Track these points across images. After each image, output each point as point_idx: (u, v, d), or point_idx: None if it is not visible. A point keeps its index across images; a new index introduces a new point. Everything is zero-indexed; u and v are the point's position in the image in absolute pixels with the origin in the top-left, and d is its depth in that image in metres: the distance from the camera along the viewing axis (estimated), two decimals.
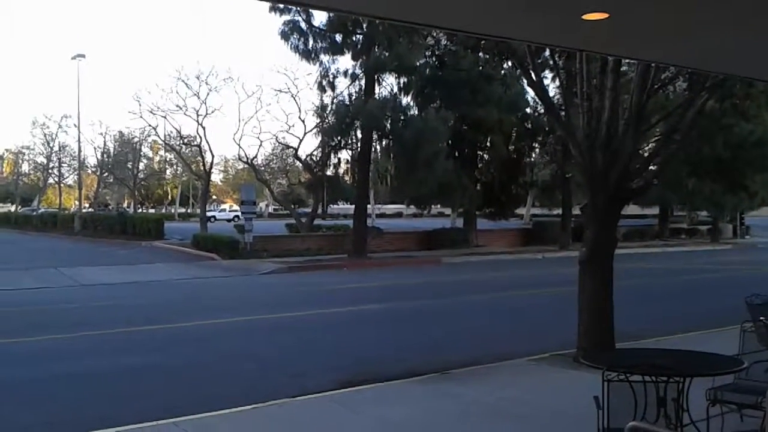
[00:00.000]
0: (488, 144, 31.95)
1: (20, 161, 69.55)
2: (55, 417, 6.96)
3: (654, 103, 10.28)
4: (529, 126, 32.32)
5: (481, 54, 29.83)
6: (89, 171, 61.19)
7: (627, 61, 8.82)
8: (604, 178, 8.38)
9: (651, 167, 9.98)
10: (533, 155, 34.84)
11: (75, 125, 50.29)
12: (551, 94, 20.43)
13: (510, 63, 28.07)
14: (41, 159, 64.42)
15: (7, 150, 71.82)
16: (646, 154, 10.68)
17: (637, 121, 8.46)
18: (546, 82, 21.57)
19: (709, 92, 8.75)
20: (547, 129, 29.90)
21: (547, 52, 14.88)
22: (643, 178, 9.39)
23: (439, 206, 43.80)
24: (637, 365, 4.57)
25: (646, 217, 41.20)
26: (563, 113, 10.46)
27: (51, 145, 61.32)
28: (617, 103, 8.48)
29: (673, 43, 5.01)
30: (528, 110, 31.60)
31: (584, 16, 4.28)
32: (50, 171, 64.39)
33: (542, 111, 27.53)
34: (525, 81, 20.31)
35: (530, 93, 28.13)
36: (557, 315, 11.39)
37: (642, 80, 8.29)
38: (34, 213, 61.62)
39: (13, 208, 73.01)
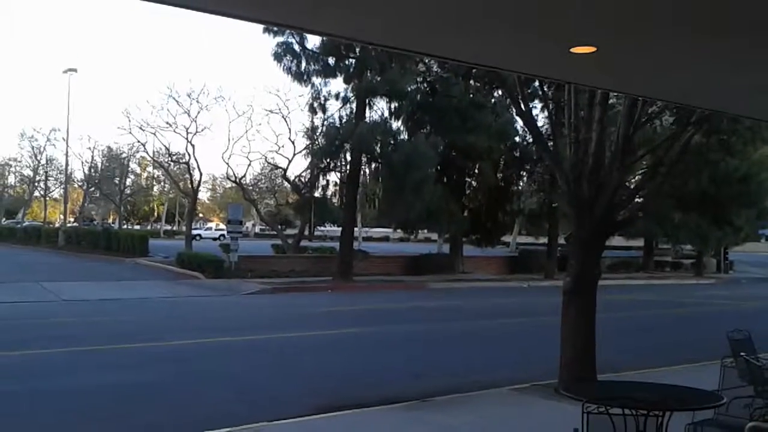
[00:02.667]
0: (476, 171, 32.10)
1: (6, 173, 69.05)
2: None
3: (641, 136, 10.38)
4: (518, 154, 32.53)
5: (471, 82, 30.11)
6: (76, 185, 60.87)
7: (615, 94, 8.92)
8: (590, 209, 8.42)
9: (637, 200, 10.06)
10: (521, 184, 35.01)
11: (63, 139, 50.19)
12: (540, 123, 20.64)
13: (500, 92, 28.37)
14: (28, 171, 64.01)
15: None
16: (632, 187, 10.77)
17: (624, 154, 8.54)
18: (535, 111, 21.78)
19: (695, 127, 8.86)
20: (535, 158, 30.11)
21: (537, 83, 15.04)
22: (629, 210, 9.46)
23: (426, 231, 43.85)
24: (617, 398, 4.55)
25: (631, 249, 41.41)
26: (551, 143, 10.55)
27: (38, 158, 61.00)
28: (604, 135, 8.55)
29: (658, 78, 5.08)
30: (517, 139, 31.82)
31: (572, 49, 4.34)
32: (36, 184, 63.99)
33: (531, 140, 27.73)
34: (514, 110, 20.48)
35: (519, 122, 28.36)
36: (541, 344, 11.36)
37: (629, 113, 8.37)
38: (19, 225, 61.12)
39: None
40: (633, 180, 12.05)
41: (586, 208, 8.44)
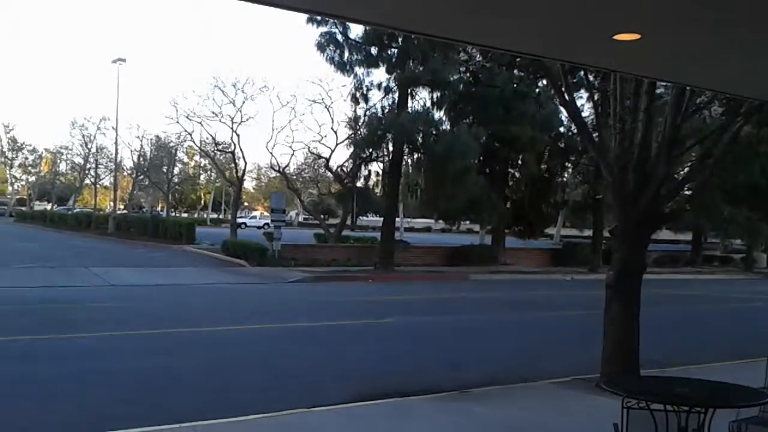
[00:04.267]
0: (520, 162, 31.76)
1: (58, 161, 71.07)
2: (74, 416, 7.04)
3: (689, 126, 10.13)
4: (562, 145, 32.07)
5: (515, 71, 29.75)
6: (125, 173, 62.27)
7: (662, 83, 8.71)
8: (635, 201, 8.26)
9: (684, 192, 9.83)
10: (565, 175, 34.55)
11: (113, 128, 51.34)
12: (586, 114, 20.29)
13: (544, 81, 27.96)
14: (79, 159, 65.71)
15: (46, 149, 73.48)
16: (679, 179, 10.52)
17: (671, 145, 8.33)
18: (581, 101, 21.42)
19: (745, 118, 8.58)
20: (580, 149, 29.64)
21: (583, 72, 14.78)
22: (675, 203, 9.25)
23: (468, 222, 43.62)
24: (659, 393, 4.47)
25: (679, 242, 40.52)
26: (596, 134, 10.36)
27: (89, 146, 62.56)
28: (651, 126, 8.36)
29: (705, 67, 4.94)
30: (562, 129, 31.38)
31: (615, 37, 4.24)
32: (87, 172, 65.65)
33: (576, 130, 27.29)
34: (558, 100, 20.18)
35: (564, 112, 27.94)
36: (582, 338, 11.22)
37: (676, 103, 8.17)
38: (70, 212, 62.90)
39: (49, 207, 74.60)
40: (680, 172, 11.76)
41: (630, 199, 8.28)
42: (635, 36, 4.13)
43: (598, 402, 6.99)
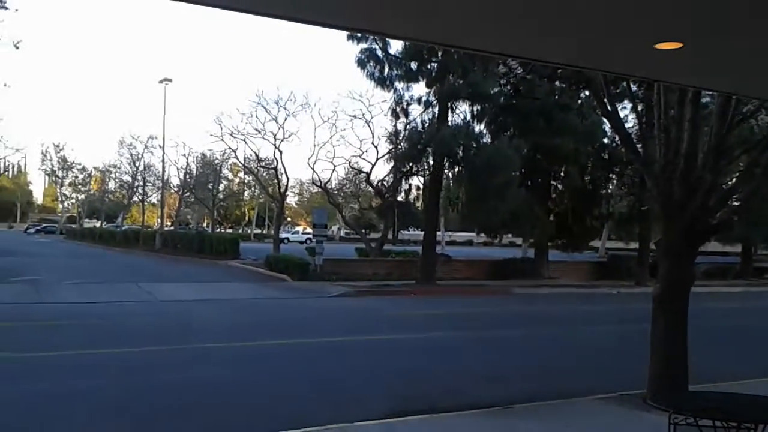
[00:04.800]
0: (562, 174, 31.41)
1: (107, 179, 72.97)
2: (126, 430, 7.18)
3: (736, 136, 9.90)
4: (606, 156, 31.59)
5: (556, 83, 29.50)
6: (172, 190, 63.59)
7: (707, 92, 8.55)
8: (681, 212, 8.09)
9: (732, 202, 9.59)
10: (609, 186, 34.00)
11: (160, 146, 52.62)
12: (629, 124, 20.01)
13: (586, 92, 27.67)
14: (127, 177, 67.27)
15: (95, 168, 75.54)
16: (726, 189, 10.28)
17: (717, 155, 8.16)
18: (624, 112, 21.12)
19: None
20: (624, 160, 29.17)
21: (625, 82, 14.60)
22: (723, 214, 9.03)
23: (510, 235, 43.24)
24: (706, 409, 4.36)
25: (728, 254, 39.43)
26: (640, 145, 10.20)
27: (136, 164, 64.06)
28: (696, 136, 8.20)
29: (750, 74, 4.84)
30: (605, 140, 30.94)
31: (657, 46, 4.19)
32: (135, 189, 67.17)
33: (619, 141, 26.90)
34: (600, 111, 19.97)
35: (607, 123, 27.57)
36: (629, 353, 10.98)
37: (722, 112, 8.00)
38: (118, 229, 64.43)
39: (98, 224, 76.54)
40: (728, 182, 11.48)
41: (676, 211, 8.12)
42: (677, 45, 4.08)
43: (646, 418, 6.85)
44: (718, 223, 9.10)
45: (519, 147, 27.51)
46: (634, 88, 14.41)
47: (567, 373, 10.62)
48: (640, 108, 14.96)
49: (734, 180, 10.93)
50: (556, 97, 29.01)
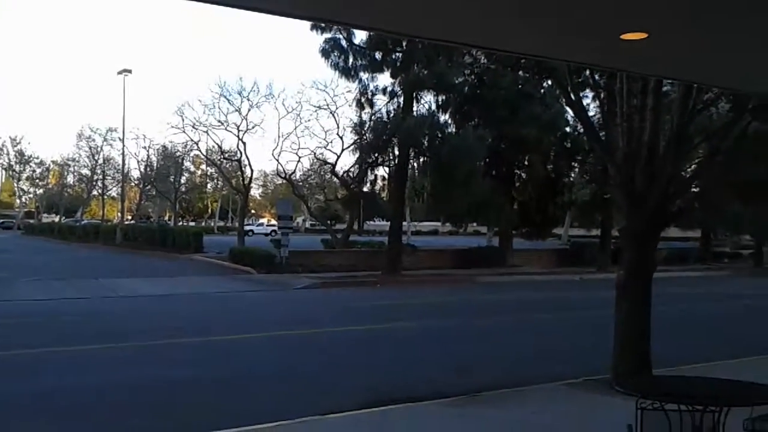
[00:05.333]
0: (526, 163, 31.73)
1: (66, 173, 71.46)
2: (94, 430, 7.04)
3: (696, 124, 10.08)
4: (569, 145, 31.99)
5: (520, 72, 29.68)
6: (132, 184, 62.54)
7: (669, 81, 8.67)
8: (643, 200, 8.22)
9: (692, 189, 9.79)
10: (572, 175, 34.45)
11: (120, 138, 51.66)
12: (591, 113, 20.22)
13: (549, 82, 27.91)
14: (86, 171, 66.09)
15: (53, 162, 73.89)
16: (687, 176, 10.47)
17: (679, 143, 8.30)
18: (586, 101, 21.36)
19: (753, 114, 8.54)
20: (586, 149, 29.55)
21: (588, 71, 14.74)
22: (684, 201, 9.21)
23: (475, 224, 43.59)
24: (673, 393, 4.44)
25: (688, 240, 40.32)
26: (603, 133, 10.33)
27: (96, 157, 62.94)
28: (658, 124, 8.33)
29: (713, 64, 4.91)
30: (567, 129, 31.31)
31: (623, 36, 4.22)
32: (94, 183, 65.97)
33: (582, 130, 27.23)
34: (564, 100, 20.16)
35: (570, 112, 27.86)
36: (593, 338, 11.15)
37: (683, 101, 8.13)
38: (78, 224, 63.21)
39: (57, 219, 74.96)
40: (688, 169, 11.70)
41: (639, 199, 8.25)
42: (642, 35, 4.12)
43: (611, 402, 6.95)
44: (679, 209, 9.30)
45: (483, 137, 27.68)
46: (596, 77, 14.53)
47: (533, 359, 10.75)
48: (602, 97, 15.16)
49: (694, 168, 11.13)
50: (520, 86, 29.23)
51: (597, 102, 21.51)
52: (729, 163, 10.41)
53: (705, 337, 13.07)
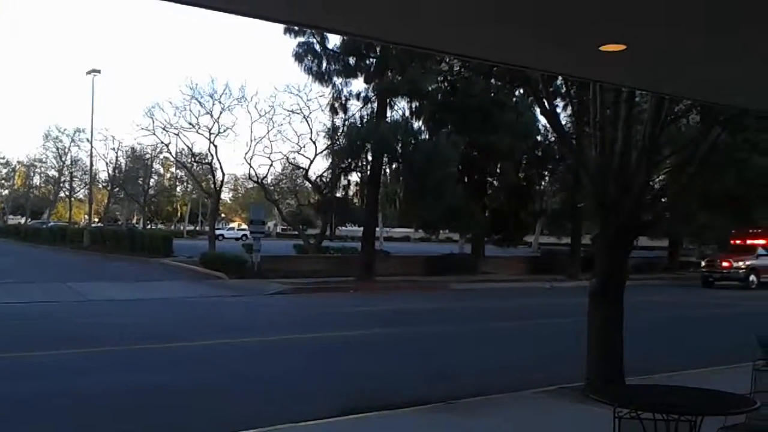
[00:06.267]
0: (498, 170, 32.00)
1: (32, 174, 70.16)
2: None
3: (667, 135, 10.24)
4: (540, 154, 32.35)
5: (493, 80, 30.00)
6: (100, 186, 61.63)
7: (641, 92, 8.79)
8: (615, 210, 8.31)
9: (662, 200, 9.92)
10: (543, 183, 34.81)
11: (87, 140, 50.87)
12: (563, 122, 20.48)
13: (522, 90, 28.21)
14: (53, 172, 64.99)
15: (19, 162, 72.48)
16: (657, 187, 10.63)
17: (650, 153, 8.41)
18: (557, 110, 21.64)
19: (722, 125, 8.70)
20: (557, 157, 29.92)
21: (560, 80, 14.91)
22: (655, 211, 9.33)
23: (447, 231, 43.77)
24: (649, 403, 4.47)
25: (655, 249, 40.94)
26: (575, 142, 10.45)
27: (63, 158, 61.89)
28: (630, 134, 8.43)
29: (689, 76, 4.99)
30: (539, 138, 31.65)
31: (601, 48, 4.27)
32: (61, 185, 64.84)
33: (553, 139, 27.54)
34: (538, 109, 20.39)
35: (542, 120, 28.19)
36: (566, 346, 11.24)
37: (656, 112, 8.24)
38: (44, 226, 62.00)
39: (23, 221, 73.51)
40: (659, 180, 11.88)
41: (611, 208, 8.33)
42: (621, 47, 4.16)
43: (584, 411, 7.00)
44: (651, 219, 9.42)
45: (456, 144, 27.84)
46: (569, 86, 14.72)
47: (506, 367, 10.78)
48: (574, 106, 15.37)
49: (665, 178, 11.31)
50: (493, 94, 29.49)
51: (569, 111, 21.83)
52: (698, 174, 10.59)
53: (675, 344, 13.25)
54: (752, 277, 29.15)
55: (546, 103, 9.48)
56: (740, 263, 29.36)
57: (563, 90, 14.90)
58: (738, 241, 31.21)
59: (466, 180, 30.48)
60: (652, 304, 20.30)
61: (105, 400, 8.24)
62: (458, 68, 29.29)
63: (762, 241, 30.20)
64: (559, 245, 39.40)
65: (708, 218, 28.92)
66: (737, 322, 16.62)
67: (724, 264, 29.89)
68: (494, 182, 33.21)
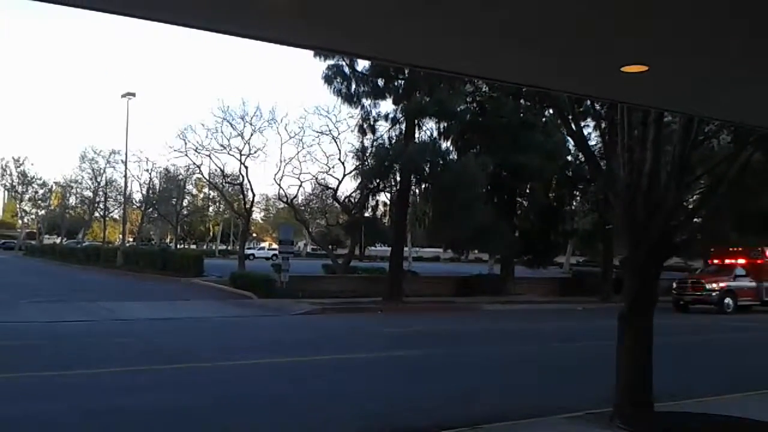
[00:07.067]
0: (528, 191, 31.75)
1: (68, 194, 71.56)
2: None
3: (698, 155, 10.07)
4: (570, 174, 32.04)
5: (522, 101, 29.88)
6: (134, 206, 62.57)
7: (669, 113, 8.66)
8: (645, 231, 8.16)
9: (695, 221, 9.74)
10: (574, 203, 34.44)
11: (122, 161, 51.81)
12: (593, 142, 20.29)
13: (551, 111, 28.03)
14: (88, 193, 66.19)
15: (55, 183, 74.06)
16: (689, 208, 10.43)
17: (680, 174, 8.26)
18: (588, 130, 21.47)
19: (755, 146, 8.53)
20: (588, 177, 29.59)
21: (589, 101, 14.80)
22: (687, 232, 9.15)
23: (476, 252, 43.49)
24: (673, 431, 4.35)
25: (686, 270, 40.14)
26: (604, 163, 10.31)
27: (98, 179, 63.08)
28: (659, 155, 8.30)
29: (713, 97, 4.90)
30: (569, 158, 31.39)
31: (623, 69, 4.21)
32: (96, 205, 66.03)
33: (584, 159, 27.28)
34: (565, 130, 20.26)
35: (572, 141, 27.93)
36: (595, 370, 11.02)
37: (685, 132, 8.11)
38: (79, 246, 63.12)
39: (59, 240, 74.93)
40: (691, 201, 11.66)
41: (641, 230, 8.19)
42: (643, 68, 4.10)
43: None
44: (682, 241, 9.24)
45: (485, 164, 27.73)
46: (597, 106, 14.60)
47: (533, 391, 10.60)
48: (603, 126, 15.18)
49: (697, 199, 11.10)
50: (522, 115, 29.37)
51: (598, 131, 21.60)
52: (730, 195, 10.38)
53: (706, 369, 12.90)
54: (728, 300, 26.43)
55: (572, 124, 9.39)
56: (714, 285, 26.56)
57: (593, 110, 14.78)
58: (716, 261, 28.99)
59: (495, 200, 30.31)
60: (684, 327, 19.83)
61: (117, 421, 8.27)
62: (486, 89, 29.25)
63: (741, 261, 27.79)
64: (591, 266, 38.86)
65: (741, 239, 28.18)
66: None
67: (696, 286, 27.03)
68: (524, 202, 32.96)
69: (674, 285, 27.55)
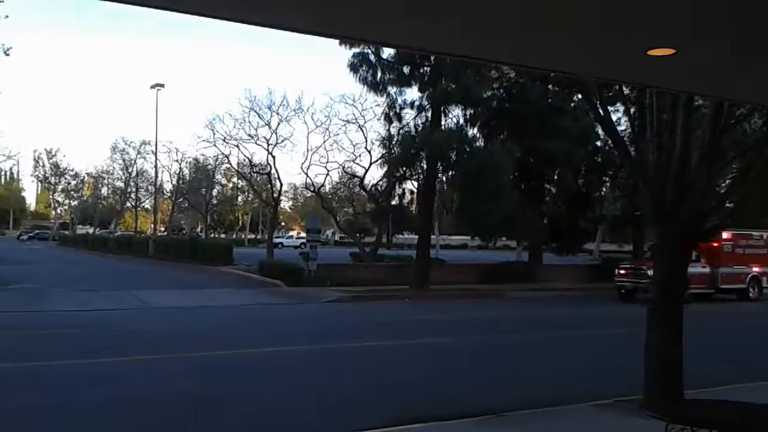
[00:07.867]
0: (556, 177, 31.43)
1: (100, 185, 72.74)
2: None
3: (729, 139, 9.88)
4: (599, 160, 31.65)
5: (549, 86, 29.53)
6: (165, 196, 63.36)
7: (698, 97, 8.51)
8: (674, 217, 8.05)
9: (726, 205, 9.56)
10: (603, 189, 34.02)
11: (152, 151, 52.47)
12: (623, 127, 19.97)
13: (579, 95, 27.66)
14: (120, 183, 67.20)
15: (88, 174, 75.28)
16: (720, 192, 10.25)
17: (710, 159, 8.13)
18: (617, 114, 21.14)
19: None
20: (618, 163, 29.20)
21: (618, 85, 14.55)
22: (718, 217, 8.99)
23: (504, 239, 43.25)
24: (704, 419, 4.31)
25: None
26: (633, 147, 10.17)
27: (129, 170, 64.00)
28: (689, 140, 8.17)
29: (742, 80, 4.81)
30: (598, 143, 30.99)
31: (650, 52, 4.15)
32: (128, 195, 67.01)
33: (612, 144, 26.92)
34: (592, 115, 20.01)
35: (600, 126, 27.55)
36: (625, 357, 10.94)
37: (715, 116, 7.97)
38: (111, 236, 64.13)
39: (91, 230, 76.25)
40: (722, 185, 11.46)
41: (670, 216, 8.08)
42: (670, 51, 4.04)
43: (641, 426, 6.80)
44: (712, 227, 9.08)
45: (512, 150, 27.51)
46: (626, 90, 14.36)
47: (562, 378, 10.56)
48: (632, 111, 14.95)
49: (728, 184, 10.90)
50: (549, 100, 29.04)
51: (627, 116, 21.24)
52: (762, 179, 10.17)
53: (739, 355, 12.72)
54: None
55: (600, 109, 9.27)
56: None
57: (621, 95, 14.52)
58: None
59: (522, 187, 30.08)
60: (715, 313, 19.57)
61: (139, 409, 8.43)
62: (512, 75, 28.97)
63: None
64: (621, 252, 38.44)
65: None
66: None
67: (638, 273, 23.64)
68: (552, 189, 32.63)
69: (617, 272, 25.42)
